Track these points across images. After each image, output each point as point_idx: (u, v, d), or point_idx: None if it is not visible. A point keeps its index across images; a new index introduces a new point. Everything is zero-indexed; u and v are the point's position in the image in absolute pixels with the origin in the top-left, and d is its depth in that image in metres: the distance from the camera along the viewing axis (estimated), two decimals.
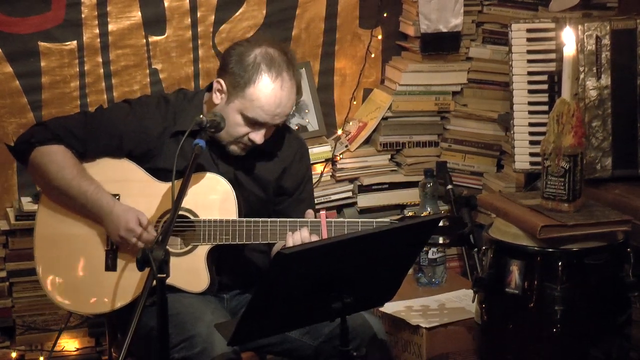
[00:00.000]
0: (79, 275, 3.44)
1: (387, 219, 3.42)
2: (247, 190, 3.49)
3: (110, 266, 3.42)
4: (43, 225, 3.47)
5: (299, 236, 3.33)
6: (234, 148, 3.43)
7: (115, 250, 3.42)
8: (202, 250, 3.39)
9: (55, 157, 3.40)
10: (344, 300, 2.87)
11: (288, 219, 3.38)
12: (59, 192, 3.41)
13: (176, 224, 3.35)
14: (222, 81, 3.38)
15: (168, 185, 3.40)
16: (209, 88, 3.51)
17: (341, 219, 3.42)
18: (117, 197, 3.41)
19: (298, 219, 3.38)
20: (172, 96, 3.54)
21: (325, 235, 3.36)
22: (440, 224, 3.38)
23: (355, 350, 3.09)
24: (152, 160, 3.45)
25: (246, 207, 3.44)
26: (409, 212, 3.44)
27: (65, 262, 3.44)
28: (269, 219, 3.38)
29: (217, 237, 3.37)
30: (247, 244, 3.40)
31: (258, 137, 3.40)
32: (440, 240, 3.38)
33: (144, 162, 3.45)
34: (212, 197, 3.38)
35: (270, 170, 3.53)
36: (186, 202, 3.36)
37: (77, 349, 4.56)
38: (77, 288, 3.44)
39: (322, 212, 3.40)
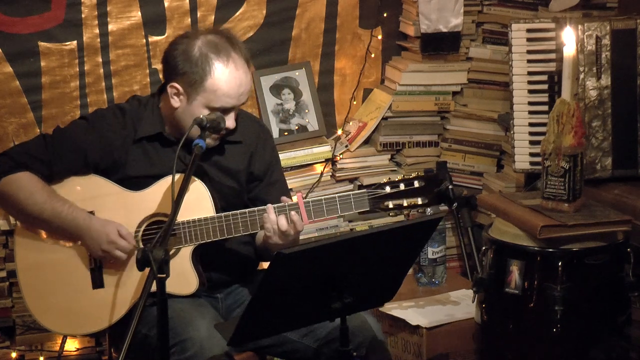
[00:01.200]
0: (68, 298, 3.41)
1: (364, 190, 3.39)
2: (219, 183, 3.48)
3: (98, 283, 3.41)
4: (23, 255, 3.45)
5: (275, 219, 3.30)
6: (209, 142, 3.41)
7: (99, 267, 3.41)
8: (186, 251, 3.38)
9: (23, 183, 3.37)
10: (344, 300, 2.87)
11: (265, 207, 3.36)
12: (33, 218, 3.39)
13: (156, 230, 3.35)
14: (176, 84, 3.36)
15: (141, 194, 3.40)
16: (161, 91, 3.50)
17: (318, 198, 3.39)
18: (92, 213, 3.40)
19: (275, 205, 3.35)
20: (126, 105, 3.52)
21: (305, 216, 3.34)
22: (417, 184, 3.38)
23: (354, 350, 3.09)
24: (119, 170, 3.43)
25: (221, 201, 3.42)
26: (384, 179, 3.42)
27: (52, 288, 3.42)
28: (247, 210, 3.36)
29: (198, 236, 3.36)
30: (229, 238, 3.40)
31: (230, 122, 3.40)
32: (420, 201, 3.37)
33: (112, 174, 3.43)
34: (187, 197, 3.36)
35: (238, 160, 3.52)
36: (162, 207, 3.36)
37: (77, 349, 4.56)
38: (69, 311, 3.42)
39: (299, 194, 3.39)
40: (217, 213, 3.37)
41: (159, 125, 3.44)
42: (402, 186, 3.37)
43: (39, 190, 3.37)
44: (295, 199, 3.37)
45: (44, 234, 3.43)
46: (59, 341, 4.49)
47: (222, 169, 3.50)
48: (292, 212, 3.32)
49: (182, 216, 3.35)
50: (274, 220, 3.32)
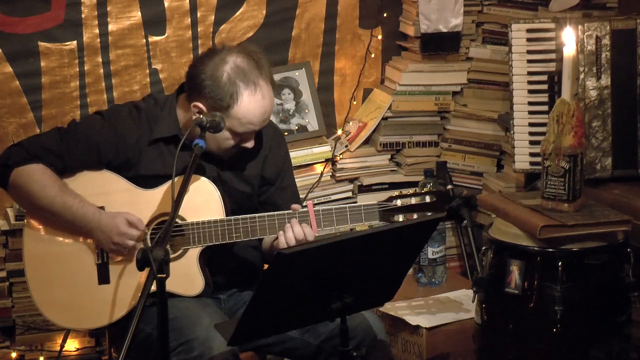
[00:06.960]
0: (73, 292, 3.42)
1: (374, 202, 3.41)
2: (231, 187, 3.48)
3: (104, 279, 3.41)
4: (31, 247, 3.45)
5: (291, 232, 3.32)
6: (224, 155, 3.44)
7: (106, 263, 3.41)
8: (194, 253, 3.38)
9: (36, 176, 3.37)
10: (344, 300, 2.87)
11: (276, 213, 3.37)
12: (44, 210, 3.39)
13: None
14: (200, 105, 3.35)
15: (152, 192, 3.41)
16: (179, 92, 3.49)
17: (329, 207, 3.40)
18: (103, 209, 3.40)
19: (286, 212, 3.37)
20: (142, 103, 3.52)
21: (314, 225, 3.35)
22: (428, 199, 3.39)
23: (355, 350, 3.09)
24: (132, 168, 3.43)
25: (233, 204, 3.43)
26: (395, 192, 3.43)
27: (58, 281, 3.42)
28: (257, 215, 3.37)
29: (207, 238, 3.36)
30: (237, 241, 3.40)
31: (249, 143, 3.42)
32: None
33: (124, 171, 3.43)
34: (197, 199, 3.37)
35: (253, 164, 3.52)
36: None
37: (77, 349, 4.56)
38: (73, 305, 3.43)
39: (309, 202, 3.40)
40: (227, 216, 3.37)
41: (175, 127, 3.44)
42: (413, 200, 3.38)
43: (52, 183, 3.37)
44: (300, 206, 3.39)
45: (53, 227, 3.43)
46: (59, 341, 4.49)
47: (237, 173, 3.50)
48: (304, 224, 3.33)
49: (192, 217, 3.36)
50: (299, 231, 3.32)
